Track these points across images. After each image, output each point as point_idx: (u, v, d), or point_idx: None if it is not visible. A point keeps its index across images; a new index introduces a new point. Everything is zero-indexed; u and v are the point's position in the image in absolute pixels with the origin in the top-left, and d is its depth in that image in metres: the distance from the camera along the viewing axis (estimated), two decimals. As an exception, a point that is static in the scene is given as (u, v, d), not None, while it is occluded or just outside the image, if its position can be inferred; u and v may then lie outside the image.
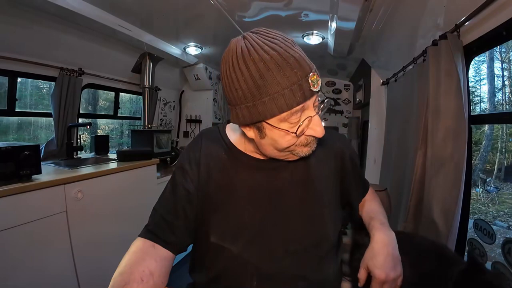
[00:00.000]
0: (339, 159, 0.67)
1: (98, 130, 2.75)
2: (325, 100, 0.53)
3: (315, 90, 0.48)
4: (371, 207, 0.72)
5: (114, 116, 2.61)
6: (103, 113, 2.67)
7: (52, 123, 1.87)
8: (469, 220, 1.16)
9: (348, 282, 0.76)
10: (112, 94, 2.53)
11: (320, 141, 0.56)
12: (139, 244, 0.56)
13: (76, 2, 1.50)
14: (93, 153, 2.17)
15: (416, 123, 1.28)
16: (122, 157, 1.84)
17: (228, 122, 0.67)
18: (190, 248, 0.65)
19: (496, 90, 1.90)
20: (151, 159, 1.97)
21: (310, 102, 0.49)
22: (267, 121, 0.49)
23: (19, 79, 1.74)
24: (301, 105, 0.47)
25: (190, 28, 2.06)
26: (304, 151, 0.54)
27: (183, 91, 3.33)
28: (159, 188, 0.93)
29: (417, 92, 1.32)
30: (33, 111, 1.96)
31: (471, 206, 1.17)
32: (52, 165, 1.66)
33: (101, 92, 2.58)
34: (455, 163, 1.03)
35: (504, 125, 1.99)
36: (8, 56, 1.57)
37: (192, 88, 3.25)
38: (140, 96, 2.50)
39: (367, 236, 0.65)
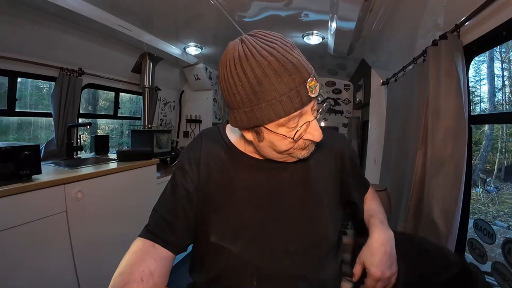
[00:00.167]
0: (339, 159, 0.67)
1: (98, 130, 2.75)
2: (324, 104, 0.53)
3: (313, 96, 0.48)
4: (371, 206, 0.73)
5: (114, 116, 2.61)
6: (103, 113, 2.67)
7: (52, 123, 1.87)
8: (469, 220, 1.16)
9: (348, 282, 0.76)
10: (112, 94, 2.53)
11: (320, 142, 0.56)
12: (139, 244, 0.56)
13: (76, 2, 1.50)
14: (93, 153, 2.17)
15: (416, 123, 1.28)
16: (122, 157, 1.84)
17: (228, 122, 0.67)
18: (190, 248, 0.65)
19: (496, 90, 1.90)
20: (151, 159, 1.97)
21: (308, 108, 0.49)
22: (265, 125, 0.50)
23: (19, 79, 1.74)
24: (298, 111, 0.48)
25: (190, 28, 2.06)
26: (302, 154, 0.55)
27: (183, 91, 3.33)
28: (159, 188, 0.93)
29: (417, 92, 1.32)
30: (33, 111, 1.96)
31: (471, 206, 1.17)
32: (52, 165, 1.66)
33: (101, 92, 2.58)
34: (455, 163, 1.03)
35: (504, 125, 1.99)
36: (8, 56, 1.57)
37: (192, 88, 3.25)
38: (140, 96, 2.50)
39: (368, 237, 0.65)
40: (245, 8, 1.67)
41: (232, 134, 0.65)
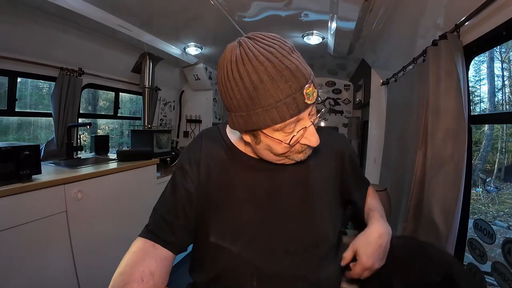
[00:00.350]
0: (339, 159, 0.67)
1: (98, 130, 2.75)
2: (322, 110, 0.54)
3: (309, 102, 0.48)
4: (371, 202, 0.73)
5: (114, 116, 2.61)
6: (103, 113, 2.68)
7: (52, 123, 1.87)
8: (469, 220, 1.16)
9: (348, 283, 0.76)
10: (112, 94, 2.53)
11: (319, 142, 0.56)
12: (139, 244, 0.56)
13: (76, 2, 1.50)
14: (93, 153, 2.17)
15: (416, 123, 1.28)
16: (122, 157, 1.84)
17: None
18: (190, 248, 0.65)
19: (496, 90, 1.90)
20: (151, 159, 1.97)
21: (305, 114, 0.49)
22: (261, 130, 0.50)
23: (19, 79, 1.74)
24: (295, 117, 0.48)
25: (190, 28, 2.06)
26: (299, 157, 0.56)
27: (183, 91, 3.33)
28: (159, 188, 0.93)
29: (417, 92, 1.32)
30: (33, 111, 1.96)
31: (471, 206, 1.17)
32: (52, 165, 1.66)
33: (101, 92, 2.58)
34: (455, 163, 1.03)
35: (504, 125, 2.00)
36: (8, 56, 1.57)
37: (192, 88, 3.25)
38: (140, 96, 2.50)
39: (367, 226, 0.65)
40: (245, 8, 1.67)
41: (232, 134, 0.65)
